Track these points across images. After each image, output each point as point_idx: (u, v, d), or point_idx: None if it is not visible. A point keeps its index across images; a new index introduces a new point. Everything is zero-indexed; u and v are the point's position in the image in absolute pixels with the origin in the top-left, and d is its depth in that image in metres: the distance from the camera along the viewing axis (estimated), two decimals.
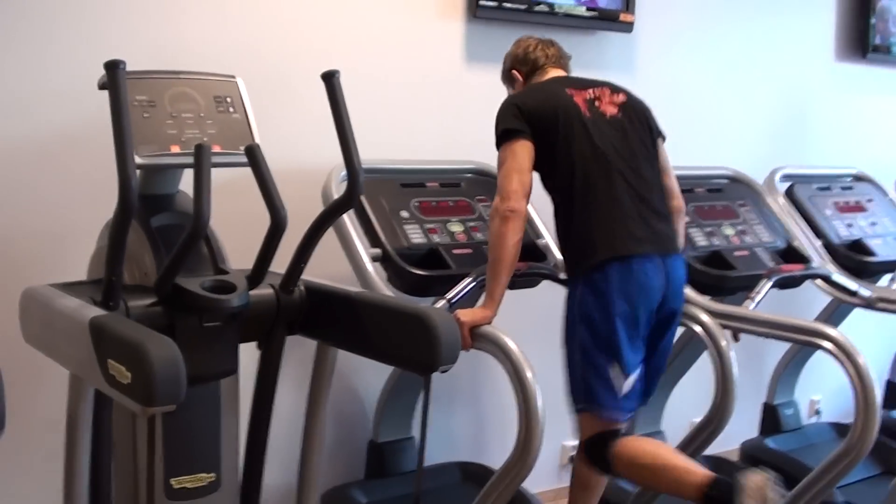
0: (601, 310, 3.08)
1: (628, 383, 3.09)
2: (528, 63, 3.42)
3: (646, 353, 3.19)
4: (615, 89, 3.30)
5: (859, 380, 3.19)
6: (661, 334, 3.23)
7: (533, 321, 3.52)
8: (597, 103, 3.22)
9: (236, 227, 2.90)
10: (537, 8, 3.99)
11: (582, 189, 3.14)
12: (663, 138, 3.39)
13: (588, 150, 3.14)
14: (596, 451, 3.16)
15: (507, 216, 3.05)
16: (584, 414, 3.17)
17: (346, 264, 3.29)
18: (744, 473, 2.82)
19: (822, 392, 5.30)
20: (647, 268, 3.10)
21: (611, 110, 3.22)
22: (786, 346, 4.65)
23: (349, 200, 2.70)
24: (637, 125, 3.26)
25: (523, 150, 3.12)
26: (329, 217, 2.75)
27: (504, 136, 3.15)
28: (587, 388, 3.11)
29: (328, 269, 3.04)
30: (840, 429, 4.69)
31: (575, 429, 3.26)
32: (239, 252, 2.76)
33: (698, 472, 2.92)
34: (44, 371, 2.74)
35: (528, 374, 2.83)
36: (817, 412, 5.41)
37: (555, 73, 3.40)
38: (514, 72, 3.44)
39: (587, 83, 3.29)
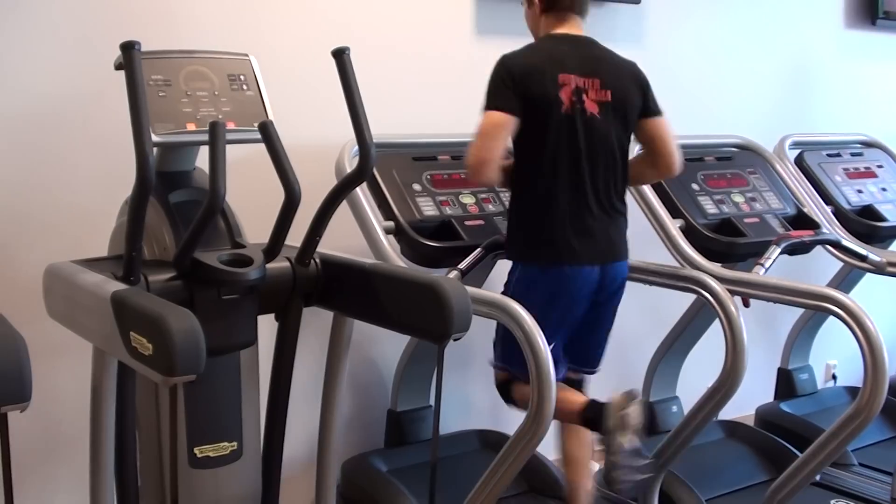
0: (529, 297, 3.13)
1: None
2: None
3: (576, 329, 3.31)
4: (605, 84, 3.21)
5: (867, 342, 3.20)
6: (595, 317, 3.34)
7: None
8: (583, 96, 3.17)
9: (253, 202, 2.95)
10: None
11: (544, 183, 3.17)
12: (660, 114, 3.33)
13: (559, 148, 3.15)
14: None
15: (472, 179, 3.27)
16: (499, 372, 3.37)
17: (359, 238, 3.34)
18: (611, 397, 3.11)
19: (838, 357, 5.32)
20: (582, 274, 3.21)
21: (591, 108, 3.18)
22: (800, 311, 4.68)
23: (361, 174, 2.74)
24: (613, 126, 3.22)
25: (507, 125, 3.13)
26: (342, 191, 2.79)
27: (490, 104, 3.15)
28: (506, 353, 3.25)
29: (342, 242, 3.08)
30: (855, 392, 4.68)
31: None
32: (256, 227, 2.81)
33: (578, 399, 3.21)
34: (68, 346, 2.80)
35: (540, 342, 2.85)
36: (833, 377, 5.43)
37: (569, 27, 3.28)
38: None
39: (585, 67, 3.21)
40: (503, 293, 3.24)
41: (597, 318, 3.34)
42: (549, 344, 2.95)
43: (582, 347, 3.38)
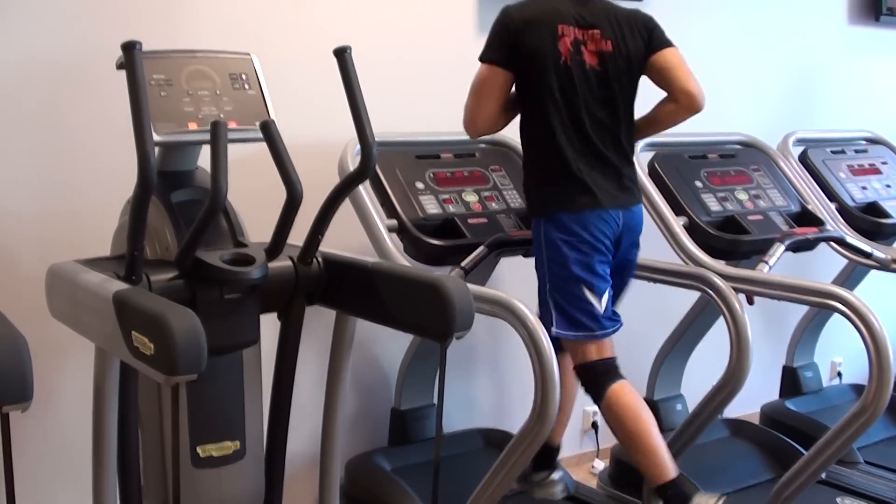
0: (563, 249, 3.17)
1: (603, 302, 3.18)
2: None
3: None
4: (606, 34, 3.21)
5: (872, 339, 3.20)
6: (617, 276, 3.30)
7: None
8: (581, 48, 3.17)
9: (255, 201, 2.94)
10: None
11: (547, 137, 3.18)
12: (670, 46, 3.32)
13: (558, 101, 3.16)
14: (590, 379, 3.25)
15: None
16: (573, 342, 3.24)
17: (361, 237, 3.34)
18: (700, 495, 3.09)
19: (844, 354, 5.32)
20: (600, 218, 3.18)
21: (590, 60, 3.19)
22: (805, 309, 4.67)
23: (363, 172, 2.73)
24: (614, 77, 3.22)
25: (497, 79, 3.21)
26: (344, 189, 2.78)
27: (483, 56, 3.24)
28: (570, 317, 3.18)
29: (345, 241, 3.08)
30: (860, 390, 4.68)
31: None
32: (258, 226, 2.81)
33: (666, 465, 3.16)
34: (70, 346, 2.79)
35: (544, 341, 2.85)
36: (839, 374, 5.43)
37: None
38: None
39: (584, 18, 3.19)
40: (537, 261, 3.26)
41: (623, 267, 3.34)
42: (604, 292, 3.13)
43: None
